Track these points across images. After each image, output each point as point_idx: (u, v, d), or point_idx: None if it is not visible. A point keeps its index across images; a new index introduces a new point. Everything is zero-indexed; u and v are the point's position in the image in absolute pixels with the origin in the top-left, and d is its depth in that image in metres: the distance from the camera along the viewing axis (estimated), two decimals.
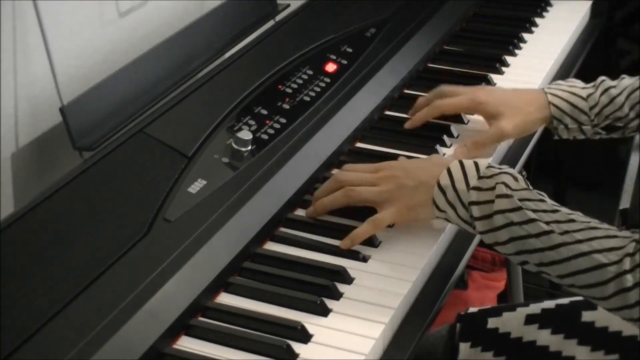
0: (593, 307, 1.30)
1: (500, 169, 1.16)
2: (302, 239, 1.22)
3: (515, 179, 1.14)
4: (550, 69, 1.73)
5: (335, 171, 1.37)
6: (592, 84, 1.44)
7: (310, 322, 1.07)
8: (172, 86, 1.39)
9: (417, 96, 1.59)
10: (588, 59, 1.86)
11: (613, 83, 1.43)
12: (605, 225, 1.10)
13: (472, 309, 1.36)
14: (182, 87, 1.40)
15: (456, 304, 1.78)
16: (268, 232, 1.22)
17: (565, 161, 2.27)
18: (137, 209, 1.14)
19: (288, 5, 1.66)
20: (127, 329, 0.99)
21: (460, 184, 1.15)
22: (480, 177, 1.15)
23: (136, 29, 1.47)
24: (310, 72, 1.49)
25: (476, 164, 1.17)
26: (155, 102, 1.35)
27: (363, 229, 1.20)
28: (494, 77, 1.67)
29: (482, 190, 1.14)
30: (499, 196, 1.12)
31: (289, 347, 1.03)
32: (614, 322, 1.28)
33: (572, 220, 1.09)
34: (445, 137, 1.45)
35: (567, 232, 1.08)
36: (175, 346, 1.04)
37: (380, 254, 1.20)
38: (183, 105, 1.34)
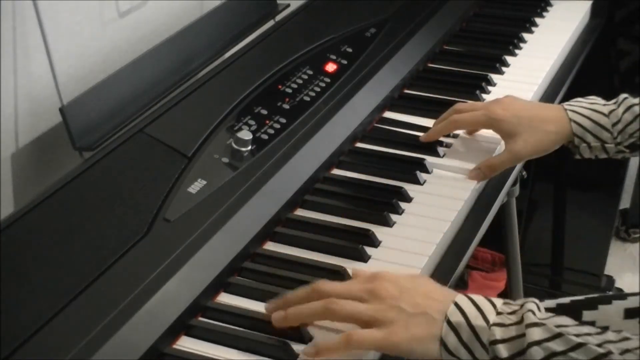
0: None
1: (519, 304, 1.00)
2: (302, 239, 1.22)
3: (539, 307, 1.00)
4: (550, 69, 1.73)
5: (336, 171, 1.38)
6: (613, 100, 1.40)
7: None
8: (172, 86, 1.39)
9: (417, 96, 1.60)
10: (588, 59, 1.86)
11: (636, 100, 1.38)
12: None
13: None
14: (182, 87, 1.40)
15: None
16: (268, 232, 1.22)
17: (565, 161, 2.27)
18: (137, 208, 1.14)
19: (288, 5, 1.66)
20: (127, 329, 0.99)
21: (478, 320, 0.98)
22: (498, 313, 0.99)
23: (136, 29, 1.47)
24: (310, 72, 1.49)
25: (490, 300, 1.01)
26: (155, 102, 1.35)
27: (334, 344, 1.00)
28: (494, 77, 1.67)
29: (506, 326, 0.98)
30: (530, 325, 0.96)
31: (288, 347, 1.03)
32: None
33: (626, 338, 0.96)
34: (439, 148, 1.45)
35: (627, 350, 0.95)
36: (175, 346, 1.04)
37: (381, 254, 1.20)
38: (183, 105, 1.34)
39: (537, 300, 1.01)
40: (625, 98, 1.39)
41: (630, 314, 1.22)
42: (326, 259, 1.18)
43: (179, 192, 1.18)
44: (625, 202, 2.66)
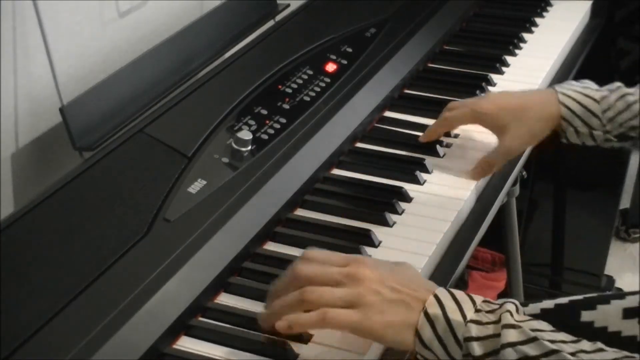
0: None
1: (499, 304, 0.99)
2: (302, 238, 1.22)
3: (517, 309, 0.99)
4: (551, 69, 1.73)
5: (336, 171, 1.38)
6: (607, 87, 1.38)
7: None
8: (172, 86, 1.39)
9: (417, 96, 1.60)
10: (588, 59, 1.86)
11: (631, 90, 1.36)
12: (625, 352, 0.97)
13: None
14: (182, 87, 1.40)
15: None
16: (268, 232, 1.22)
17: (565, 161, 2.27)
18: (137, 208, 1.14)
19: (288, 5, 1.66)
20: (127, 329, 0.99)
21: (455, 315, 0.97)
22: (477, 310, 0.98)
23: (136, 29, 1.47)
24: (310, 72, 1.49)
25: (470, 296, 1.00)
26: (155, 102, 1.35)
27: (308, 318, 0.99)
28: (494, 77, 1.67)
29: (483, 324, 0.97)
30: (506, 326, 0.95)
31: (289, 347, 1.03)
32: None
33: (601, 350, 0.95)
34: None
35: None
36: (175, 346, 1.04)
37: (380, 254, 1.20)
38: (183, 105, 1.34)
39: (516, 302, 1.00)
40: (619, 87, 1.37)
41: (628, 313, 1.21)
42: None
43: (179, 192, 1.18)
44: (625, 202, 2.66)
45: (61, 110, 1.24)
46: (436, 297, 0.99)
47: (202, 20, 1.50)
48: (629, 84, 1.44)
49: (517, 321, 0.96)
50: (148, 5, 1.48)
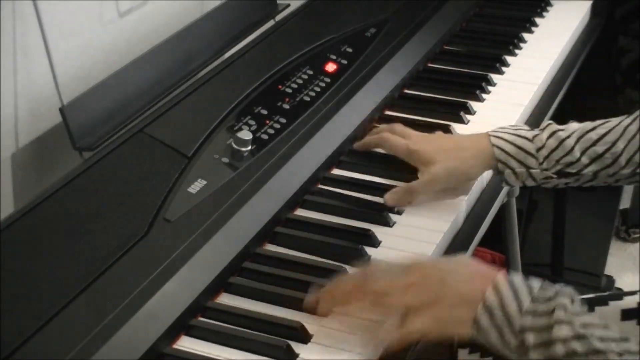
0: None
1: (556, 289, 1.02)
2: (302, 239, 1.22)
3: (572, 300, 1.01)
4: (550, 69, 1.73)
5: (337, 171, 1.38)
6: (539, 127, 1.34)
7: (310, 322, 1.07)
8: (172, 86, 1.39)
9: (417, 96, 1.60)
10: (588, 58, 1.86)
11: (561, 127, 1.33)
12: None
13: None
14: (182, 87, 1.40)
15: None
16: (268, 232, 1.22)
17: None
18: (137, 209, 1.14)
19: (288, 5, 1.66)
20: (127, 329, 0.99)
21: (511, 306, 1.00)
22: (534, 299, 1.01)
23: (136, 29, 1.47)
24: (310, 72, 1.49)
25: (527, 282, 1.03)
26: (155, 102, 1.35)
27: (391, 338, 1.04)
28: (494, 77, 1.67)
29: (538, 315, 0.99)
30: (558, 322, 0.98)
31: (288, 347, 1.03)
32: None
33: None
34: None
35: None
36: (175, 346, 1.04)
37: (381, 254, 1.20)
38: (183, 105, 1.34)
39: (571, 292, 1.02)
40: (550, 124, 1.34)
41: (627, 315, 1.22)
42: (327, 259, 1.18)
43: (179, 192, 1.18)
44: (625, 202, 2.66)
45: (61, 110, 1.24)
46: (495, 287, 1.02)
47: (202, 20, 1.50)
48: (630, 82, 1.44)
49: (570, 315, 0.98)
50: (148, 5, 1.48)
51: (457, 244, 1.27)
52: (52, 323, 0.97)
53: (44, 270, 1.03)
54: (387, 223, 1.26)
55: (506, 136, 1.33)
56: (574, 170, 1.30)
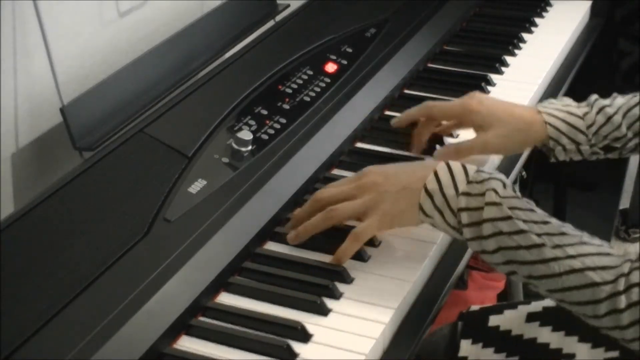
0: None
1: (489, 174, 1.13)
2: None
3: (504, 185, 1.11)
4: (550, 69, 1.73)
5: (337, 171, 1.38)
6: (585, 102, 1.40)
7: (310, 322, 1.07)
8: (172, 86, 1.39)
9: (417, 96, 1.60)
10: (588, 59, 1.86)
11: (607, 102, 1.38)
12: (597, 241, 1.08)
13: (473, 307, 1.36)
14: (182, 87, 1.40)
15: (456, 304, 1.78)
16: (268, 232, 1.22)
17: (565, 161, 2.26)
18: (137, 209, 1.14)
19: (288, 5, 1.66)
20: (127, 329, 0.99)
21: (449, 189, 1.12)
22: (469, 182, 1.12)
23: (136, 29, 1.47)
24: (310, 72, 1.49)
25: (464, 168, 1.14)
26: (155, 102, 1.35)
27: (347, 246, 1.16)
28: (494, 77, 1.67)
29: (472, 196, 1.11)
30: (489, 204, 1.09)
31: (289, 347, 1.03)
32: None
33: (564, 234, 1.07)
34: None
35: (558, 246, 1.06)
36: (175, 346, 1.04)
37: (381, 254, 1.20)
38: (183, 105, 1.34)
39: (503, 178, 1.12)
40: (597, 99, 1.39)
41: (531, 317, 1.30)
42: (326, 259, 1.18)
43: (179, 192, 1.18)
44: (625, 202, 2.66)
45: (61, 110, 1.24)
46: (435, 173, 1.13)
47: (202, 20, 1.50)
48: (630, 84, 1.45)
49: (500, 198, 1.09)
50: (148, 5, 1.48)
51: (457, 244, 1.27)
52: (52, 323, 0.97)
53: (44, 270, 1.03)
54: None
55: (558, 113, 1.38)
56: (619, 145, 1.38)
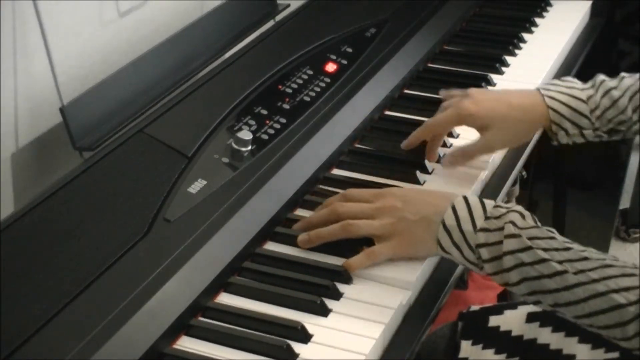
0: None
1: (507, 207, 1.12)
2: None
3: (523, 216, 1.11)
4: (550, 69, 1.73)
5: (336, 171, 1.38)
6: (590, 83, 1.38)
7: (310, 322, 1.07)
8: (172, 86, 1.39)
9: (417, 96, 1.60)
10: (588, 59, 1.86)
11: (613, 84, 1.36)
12: (620, 262, 1.06)
13: (473, 308, 1.36)
14: (182, 87, 1.40)
15: (456, 304, 1.78)
16: (268, 232, 1.22)
17: (565, 161, 2.27)
18: (137, 209, 1.14)
19: (288, 5, 1.66)
20: (127, 329, 0.99)
21: (467, 225, 1.12)
22: (487, 218, 1.12)
23: (136, 29, 1.47)
24: (310, 72, 1.49)
25: (482, 203, 1.14)
26: (155, 102, 1.35)
27: (358, 260, 1.16)
28: (494, 77, 1.67)
29: (490, 232, 1.10)
30: (508, 236, 1.09)
31: (289, 347, 1.03)
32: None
33: (586, 259, 1.07)
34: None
35: (581, 271, 1.05)
36: (175, 346, 1.04)
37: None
38: (183, 105, 1.34)
39: (521, 210, 1.12)
40: (603, 81, 1.37)
41: (531, 318, 1.29)
42: (326, 259, 1.18)
43: (179, 192, 1.18)
44: (625, 202, 2.66)
45: (61, 110, 1.24)
46: (453, 208, 1.13)
47: (202, 20, 1.50)
48: None
49: (519, 229, 1.09)
50: (148, 5, 1.48)
51: None
52: (52, 323, 0.97)
53: (44, 270, 1.03)
54: None
55: (560, 97, 1.36)
56: (624, 128, 1.35)
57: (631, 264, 1.06)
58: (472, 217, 1.12)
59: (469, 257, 1.12)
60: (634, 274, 1.04)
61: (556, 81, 1.40)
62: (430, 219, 1.14)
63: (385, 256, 1.16)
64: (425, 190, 1.22)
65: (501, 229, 1.09)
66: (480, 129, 1.37)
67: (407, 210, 1.16)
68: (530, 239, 1.08)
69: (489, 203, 1.13)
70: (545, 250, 1.07)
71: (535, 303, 1.10)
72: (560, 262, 1.06)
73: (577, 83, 1.39)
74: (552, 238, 1.09)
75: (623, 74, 1.39)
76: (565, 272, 1.06)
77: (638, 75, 1.37)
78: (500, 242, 1.09)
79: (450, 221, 1.13)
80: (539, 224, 1.11)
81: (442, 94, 1.46)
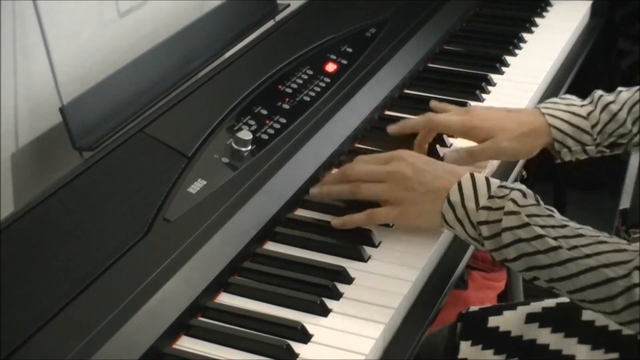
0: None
1: (511, 187, 1.14)
2: (302, 239, 1.22)
3: (524, 195, 1.13)
4: (550, 69, 1.73)
5: (335, 170, 1.38)
6: (588, 99, 1.38)
7: (310, 322, 1.07)
8: (172, 86, 1.39)
9: (417, 96, 1.60)
10: (588, 58, 1.86)
11: (611, 98, 1.37)
12: (615, 239, 1.09)
13: (472, 308, 1.36)
14: (182, 87, 1.40)
15: (456, 304, 1.78)
16: (268, 232, 1.22)
17: (565, 161, 2.26)
18: (137, 209, 1.14)
19: (288, 5, 1.66)
20: (127, 329, 0.99)
21: (470, 203, 1.14)
22: (490, 197, 1.14)
23: (136, 29, 1.47)
24: (310, 72, 1.49)
25: (488, 181, 1.16)
26: (155, 102, 1.35)
27: (358, 218, 1.20)
28: (494, 77, 1.67)
29: (492, 210, 1.13)
30: (507, 213, 1.11)
31: (289, 347, 1.03)
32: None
33: (581, 235, 1.09)
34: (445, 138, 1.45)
35: (575, 247, 1.08)
36: (175, 346, 1.04)
37: (380, 254, 1.20)
38: (183, 105, 1.34)
39: (524, 189, 1.14)
40: (601, 96, 1.38)
41: (530, 318, 1.29)
42: (326, 259, 1.18)
43: (179, 192, 1.18)
44: (625, 202, 2.66)
45: (61, 110, 1.24)
46: (459, 184, 1.16)
47: (202, 20, 1.50)
48: (629, 84, 1.44)
49: (518, 207, 1.11)
50: (148, 5, 1.48)
51: (457, 244, 1.27)
52: (52, 323, 0.97)
53: (44, 270, 1.03)
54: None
55: (561, 114, 1.37)
56: (625, 141, 1.37)
57: (625, 241, 1.09)
58: (476, 195, 1.14)
59: (471, 232, 1.15)
60: (626, 249, 1.07)
61: (555, 99, 1.40)
62: (436, 193, 1.17)
63: (385, 221, 1.21)
64: (435, 161, 1.24)
65: (502, 207, 1.12)
66: (486, 139, 1.36)
67: (416, 181, 1.19)
68: (528, 216, 1.11)
69: (495, 182, 1.16)
70: (541, 227, 1.10)
71: (534, 280, 1.12)
72: (555, 239, 1.09)
73: (575, 100, 1.40)
74: (550, 216, 1.11)
75: (620, 88, 1.39)
76: (559, 247, 1.08)
77: (635, 89, 1.38)
78: (499, 220, 1.12)
79: (455, 197, 1.15)
80: (541, 202, 1.13)
81: (434, 105, 1.45)
